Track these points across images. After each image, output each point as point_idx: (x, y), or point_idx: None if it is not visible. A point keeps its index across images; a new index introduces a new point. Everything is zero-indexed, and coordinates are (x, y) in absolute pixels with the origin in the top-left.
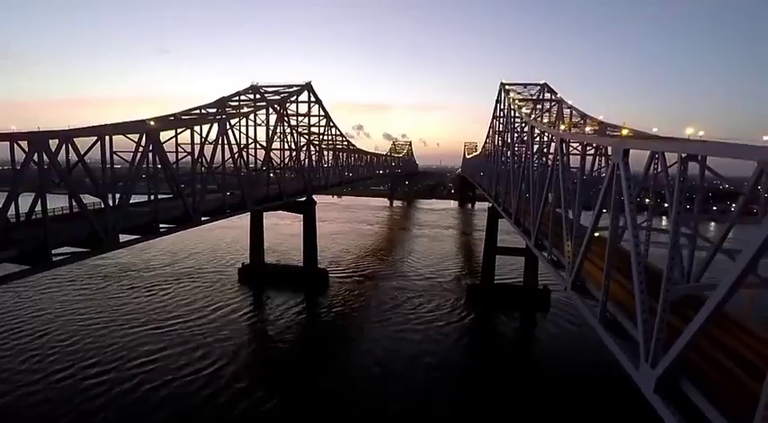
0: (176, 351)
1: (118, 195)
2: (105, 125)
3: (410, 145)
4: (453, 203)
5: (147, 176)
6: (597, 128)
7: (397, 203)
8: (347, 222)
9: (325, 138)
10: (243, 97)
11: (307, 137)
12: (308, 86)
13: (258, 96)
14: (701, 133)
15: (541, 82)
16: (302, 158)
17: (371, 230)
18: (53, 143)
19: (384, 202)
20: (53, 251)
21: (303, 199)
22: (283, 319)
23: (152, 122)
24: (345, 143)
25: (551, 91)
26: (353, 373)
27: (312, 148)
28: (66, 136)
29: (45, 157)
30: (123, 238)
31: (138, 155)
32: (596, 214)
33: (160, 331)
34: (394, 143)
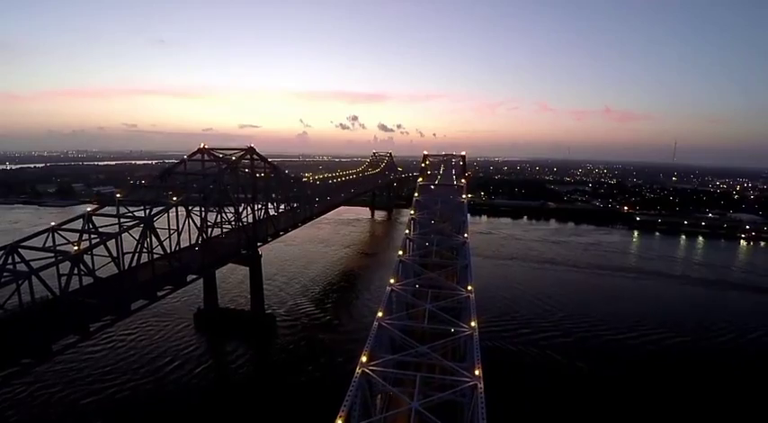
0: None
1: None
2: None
3: (390, 156)
4: None
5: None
6: None
7: (379, 214)
8: (308, 242)
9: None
10: (190, 163)
11: (251, 194)
12: (250, 151)
13: (207, 158)
14: None
15: (462, 153)
16: (244, 216)
17: (325, 258)
18: None
19: (364, 212)
20: None
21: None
22: (231, 370)
23: (76, 247)
24: (296, 190)
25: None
26: None
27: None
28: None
29: None
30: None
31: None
32: None
33: (113, 391)
34: (374, 154)
